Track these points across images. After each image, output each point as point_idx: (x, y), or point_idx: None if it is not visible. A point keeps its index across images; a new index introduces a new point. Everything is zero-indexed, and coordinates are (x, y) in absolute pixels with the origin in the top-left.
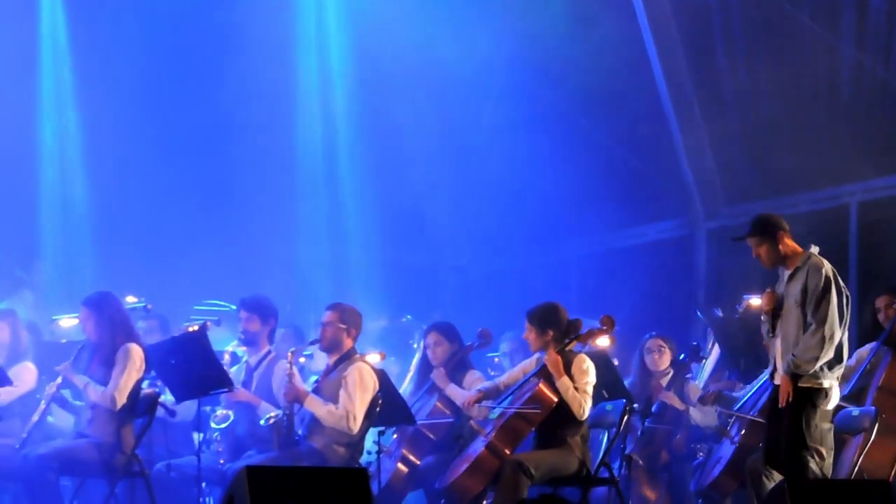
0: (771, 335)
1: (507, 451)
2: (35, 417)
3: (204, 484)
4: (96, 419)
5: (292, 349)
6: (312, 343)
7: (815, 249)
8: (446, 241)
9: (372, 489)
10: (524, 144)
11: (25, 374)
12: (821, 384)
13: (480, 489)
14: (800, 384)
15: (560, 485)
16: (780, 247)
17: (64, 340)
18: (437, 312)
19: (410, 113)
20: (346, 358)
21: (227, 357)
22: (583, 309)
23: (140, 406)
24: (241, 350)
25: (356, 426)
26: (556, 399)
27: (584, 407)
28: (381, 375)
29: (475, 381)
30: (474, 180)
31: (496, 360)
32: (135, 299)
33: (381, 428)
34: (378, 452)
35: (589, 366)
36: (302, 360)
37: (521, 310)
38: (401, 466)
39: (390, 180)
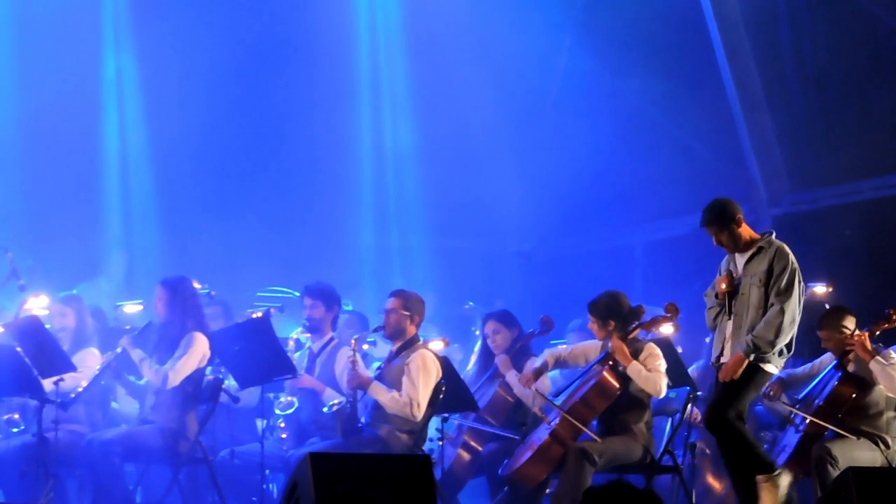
0: (727, 317)
1: (571, 439)
2: (84, 383)
3: (267, 471)
4: (160, 405)
5: (355, 336)
6: (376, 330)
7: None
8: (511, 227)
9: (435, 476)
10: (588, 131)
11: (90, 360)
12: (767, 369)
13: (544, 476)
14: (749, 360)
15: (624, 472)
16: (740, 231)
17: (128, 326)
18: (500, 300)
19: (474, 101)
20: (410, 345)
21: (290, 343)
22: (647, 296)
23: (204, 392)
24: (305, 337)
25: (419, 413)
26: (619, 386)
27: (661, 385)
28: (444, 362)
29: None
30: (539, 167)
31: (561, 346)
32: (199, 286)
33: (444, 415)
34: (441, 439)
35: (658, 351)
36: (365, 346)
37: (584, 296)
38: (463, 453)
39: (455, 167)
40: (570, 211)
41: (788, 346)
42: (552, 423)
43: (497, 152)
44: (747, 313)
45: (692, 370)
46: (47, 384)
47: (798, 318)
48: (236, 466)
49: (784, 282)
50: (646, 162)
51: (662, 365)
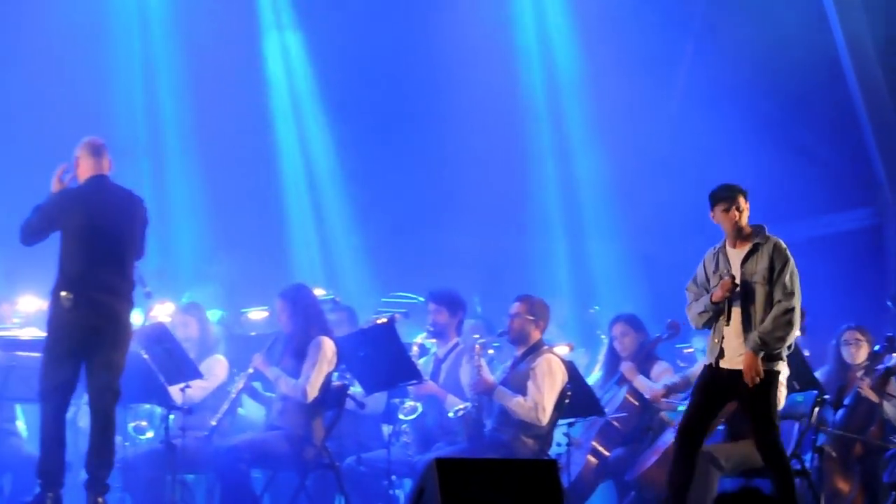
0: (725, 320)
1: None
2: (225, 406)
3: (393, 476)
4: (287, 411)
5: (480, 341)
6: (500, 335)
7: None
8: (637, 230)
9: (562, 481)
10: (710, 133)
11: (217, 368)
12: (778, 368)
13: None
14: (765, 367)
15: (751, 476)
16: (746, 217)
17: (253, 333)
18: (627, 303)
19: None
20: (535, 350)
21: (415, 349)
22: None
23: (330, 398)
24: (430, 342)
25: (545, 418)
26: None
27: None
28: (570, 367)
29: (663, 373)
30: (662, 170)
31: (685, 350)
32: (323, 292)
33: (571, 420)
34: (567, 444)
35: None
36: (490, 351)
37: None
38: (591, 458)
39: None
40: (693, 212)
41: (789, 345)
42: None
43: (618, 155)
44: (755, 313)
45: (819, 374)
46: (174, 391)
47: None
48: (363, 472)
49: (787, 278)
50: (769, 163)
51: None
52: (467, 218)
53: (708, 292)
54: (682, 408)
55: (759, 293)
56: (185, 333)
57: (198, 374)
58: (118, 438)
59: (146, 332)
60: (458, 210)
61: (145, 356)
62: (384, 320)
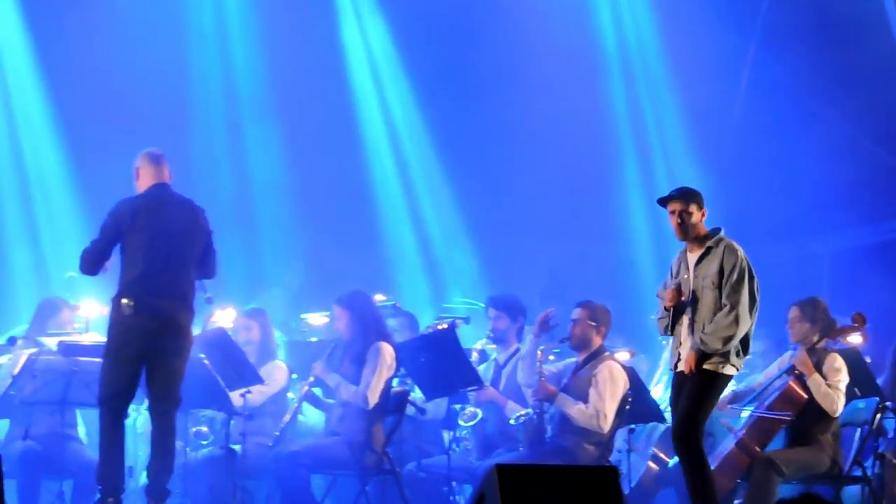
0: (670, 331)
1: (758, 449)
2: (287, 416)
3: (454, 482)
4: (347, 417)
5: (541, 347)
6: (562, 341)
7: (723, 232)
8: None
9: (622, 488)
10: (776, 140)
11: (277, 373)
12: (727, 371)
13: (731, 487)
14: (707, 367)
15: (811, 483)
16: (700, 221)
17: (314, 339)
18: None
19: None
20: (596, 356)
21: (475, 355)
22: (834, 306)
23: (390, 404)
24: (490, 348)
25: (607, 425)
26: (806, 396)
27: (837, 404)
28: (631, 373)
29: None
30: (726, 176)
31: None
32: (384, 297)
33: (632, 426)
34: (629, 451)
35: (841, 364)
36: (551, 357)
37: (770, 305)
38: (651, 465)
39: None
40: (754, 220)
41: (745, 346)
42: (738, 433)
43: (683, 159)
44: (703, 317)
45: (881, 380)
46: (234, 396)
47: (751, 317)
48: (423, 478)
49: (734, 280)
50: (830, 169)
51: (843, 381)
52: (532, 222)
53: None
54: (744, 414)
55: (709, 297)
56: (246, 338)
57: (258, 380)
58: (179, 444)
59: (207, 338)
60: (523, 214)
61: (206, 362)
62: (445, 326)
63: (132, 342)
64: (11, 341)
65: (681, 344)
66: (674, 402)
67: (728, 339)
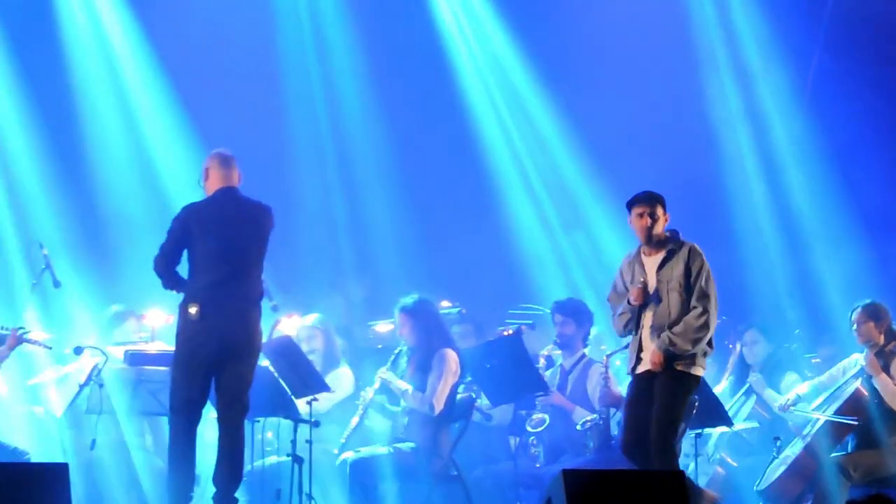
0: (633, 330)
1: (826, 453)
2: (353, 422)
3: (521, 488)
4: (414, 424)
5: (607, 352)
6: (626, 346)
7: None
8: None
9: (689, 492)
10: (843, 137)
11: (343, 380)
12: (696, 372)
13: (799, 491)
14: (678, 368)
15: (881, 486)
16: (662, 225)
17: (380, 346)
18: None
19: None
20: None
21: (541, 361)
22: None
23: (457, 411)
24: (556, 353)
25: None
26: (873, 398)
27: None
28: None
29: (793, 383)
30: (785, 183)
31: (813, 360)
32: (449, 304)
33: (699, 430)
34: (695, 455)
35: None
36: (617, 363)
37: (835, 313)
38: (719, 469)
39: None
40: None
41: (710, 346)
42: (807, 437)
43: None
44: (669, 318)
45: None
46: (301, 404)
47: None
48: (490, 484)
49: (703, 282)
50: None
51: None
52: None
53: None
54: (812, 418)
55: (675, 299)
56: (310, 346)
57: (325, 387)
58: (246, 452)
59: (273, 346)
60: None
61: (272, 369)
62: (510, 332)
63: (200, 348)
64: (78, 351)
65: (641, 348)
66: (631, 405)
67: (698, 341)
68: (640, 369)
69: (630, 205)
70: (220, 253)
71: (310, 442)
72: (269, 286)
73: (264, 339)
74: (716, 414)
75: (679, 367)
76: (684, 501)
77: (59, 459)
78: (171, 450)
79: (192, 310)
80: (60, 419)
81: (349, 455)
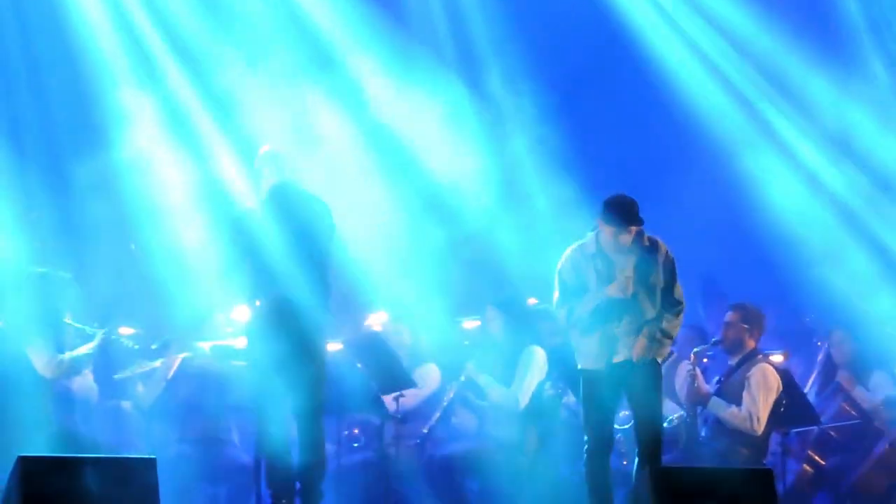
0: (603, 323)
1: None
2: (437, 414)
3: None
4: (499, 420)
5: (695, 350)
6: (714, 344)
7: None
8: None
9: (777, 490)
10: None
11: (430, 376)
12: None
13: (886, 486)
14: (657, 358)
15: None
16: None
17: (466, 342)
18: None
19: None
20: (749, 358)
21: None
22: None
23: (542, 407)
24: None
25: (760, 427)
26: None
27: None
28: (785, 376)
29: (881, 382)
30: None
31: None
32: (536, 301)
33: (786, 429)
34: (783, 454)
35: None
36: (705, 360)
37: None
38: (806, 467)
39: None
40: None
41: None
42: (892, 433)
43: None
44: (644, 313)
45: None
46: (387, 400)
47: None
48: (577, 482)
49: (676, 277)
50: None
51: None
52: (685, 223)
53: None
54: None
55: (651, 294)
56: (397, 341)
57: (412, 384)
58: (332, 448)
59: (360, 342)
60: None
61: (359, 366)
62: None
63: (269, 343)
64: (165, 346)
65: (615, 339)
66: (606, 397)
67: (676, 334)
68: (616, 359)
69: (627, 222)
70: (278, 247)
71: (396, 438)
72: (353, 285)
73: (352, 336)
74: (804, 412)
75: (658, 358)
76: (772, 499)
77: (146, 453)
78: (267, 447)
79: (258, 305)
80: (148, 413)
81: (436, 451)
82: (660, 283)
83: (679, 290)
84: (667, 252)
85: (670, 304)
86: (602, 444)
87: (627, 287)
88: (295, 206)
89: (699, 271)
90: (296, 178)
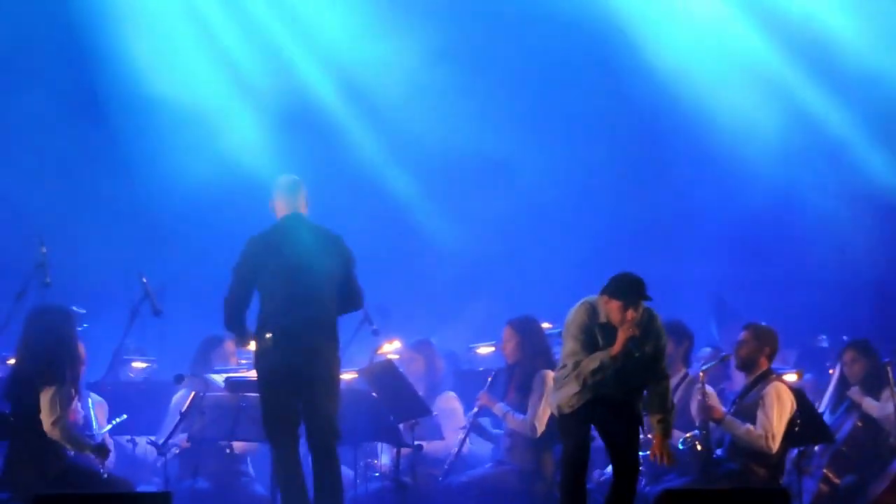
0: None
1: None
2: (455, 449)
3: None
4: (516, 447)
5: (703, 368)
6: (722, 360)
7: None
8: (862, 255)
9: None
10: None
11: (446, 404)
12: None
13: None
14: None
15: None
16: None
17: (481, 368)
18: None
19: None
20: (763, 378)
21: None
22: None
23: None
24: None
25: (775, 446)
26: None
27: None
28: (799, 394)
29: (892, 397)
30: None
31: None
32: (549, 325)
33: (801, 447)
34: (799, 473)
35: None
36: (722, 386)
37: None
38: (822, 486)
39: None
40: None
41: None
42: None
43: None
44: (637, 381)
45: None
46: (404, 428)
47: None
48: None
49: (664, 352)
50: None
51: None
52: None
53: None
54: None
55: (644, 363)
56: (412, 370)
57: (427, 412)
58: (350, 474)
59: (374, 371)
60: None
61: (374, 394)
62: None
63: (278, 373)
64: (179, 379)
65: (601, 384)
66: (578, 434)
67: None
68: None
69: (631, 300)
70: (287, 279)
71: (413, 466)
72: (370, 311)
73: (367, 364)
74: (818, 431)
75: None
76: None
77: (161, 488)
78: (278, 475)
79: (267, 337)
80: (163, 447)
81: (453, 479)
82: (655, 353)
83: (665, 364)
84: (660, 327)
85: (662, 376)
86: (580, 473)
87: (625, 355)
88: (302, 237)
89: (711, 291)
90: (306, 212)
